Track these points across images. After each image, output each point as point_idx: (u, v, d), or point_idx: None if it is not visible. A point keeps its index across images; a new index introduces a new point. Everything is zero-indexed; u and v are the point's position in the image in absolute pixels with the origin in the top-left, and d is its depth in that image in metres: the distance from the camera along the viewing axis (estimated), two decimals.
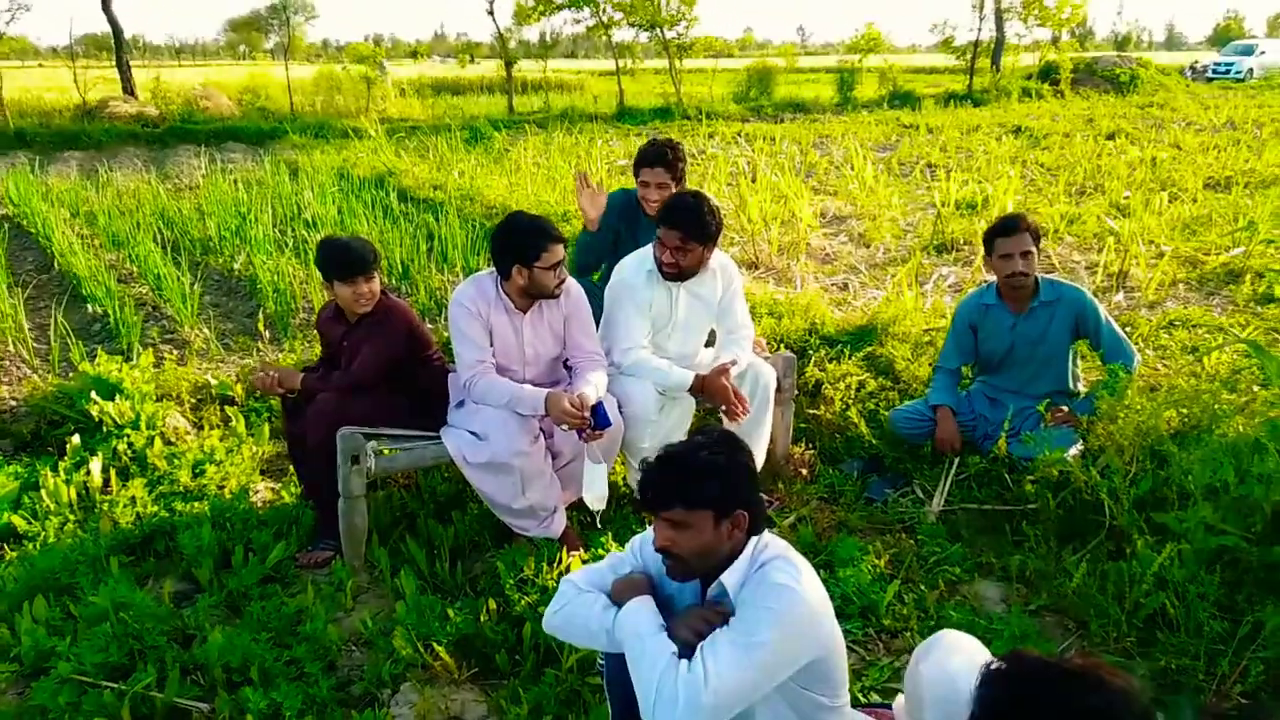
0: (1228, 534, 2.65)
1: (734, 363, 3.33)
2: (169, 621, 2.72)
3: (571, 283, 3.24)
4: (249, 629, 2.69)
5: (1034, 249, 3.49)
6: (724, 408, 3.25)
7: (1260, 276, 5.87)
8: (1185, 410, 3.29)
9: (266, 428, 4.09)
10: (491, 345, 3.13)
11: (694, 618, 1.83)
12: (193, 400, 4.45)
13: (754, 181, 9.34)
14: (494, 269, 3.15)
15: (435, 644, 2.58)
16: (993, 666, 1.40)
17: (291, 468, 3.57)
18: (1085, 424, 3.45)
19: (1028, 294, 3.59)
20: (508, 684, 2.52)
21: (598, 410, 2.93)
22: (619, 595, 1.91)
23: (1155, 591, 2.65)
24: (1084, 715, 1.29)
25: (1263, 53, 34.01)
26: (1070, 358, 3.67)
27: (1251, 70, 31.82)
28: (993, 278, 3.69)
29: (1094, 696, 1.28)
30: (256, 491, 3.66)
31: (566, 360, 3.32)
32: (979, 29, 24.91)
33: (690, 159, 12.42)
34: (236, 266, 7.02)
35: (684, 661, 1.72)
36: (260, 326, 5.52)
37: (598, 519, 3.19)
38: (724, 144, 14.28)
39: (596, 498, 2.99)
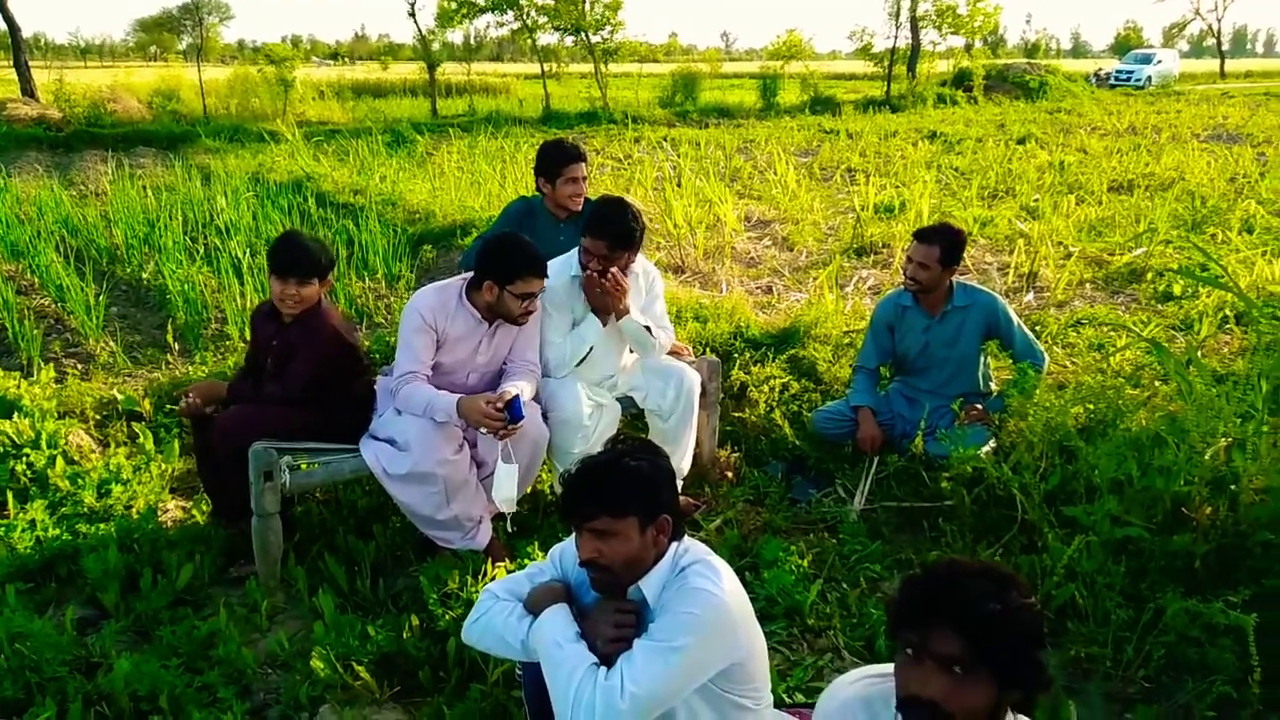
0: (1132, 525, 2.76)
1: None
2: (71, 650, 2.58)
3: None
4: (158, 655, 2.58)
5: (934, 263, 3.59)
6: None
7: (1160, 275, 6.15)
8: (1091, 406, 3.42)
9: (176, 444, 3.93)
10: (440, 353, 3.08)
11: (604, 616, 1.82)
12: (98, 417, 4.26)
13: (679, 186, 9.40)
14: (462, 277, 3.11)
15: (355, 664, 2.52)
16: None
17: (202, 485, 3.44)
18: (997, 422, 3.56)
19: (939, 298, 3.70)
20: (431, 701, 2.47)
21: (513, 404, 2.89)
22: (535, 604, 1.89)
23: (1065, 583, 2.75)
24: (976, 577, 1.40)
25: (1159, 62, 35.86)
26: (982, 359, 3.79)
27: (1150, 78, 33.48)
28: None
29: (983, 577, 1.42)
30: (166, 511, 3.52)
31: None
32: (895, 36, 25.63)
33: (616, 163, 12.46)
34: (145, 276, 6.76)
35: (602, 669, 1.71)
36: (170, 338, 5.31)
37: (508, 521, 3.11)
38: (650, 148, 14.35)
39: (505, 499, 2.94)
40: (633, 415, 3.64)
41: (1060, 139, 14.73)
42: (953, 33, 26.50)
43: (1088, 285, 6.28)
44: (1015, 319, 3.75)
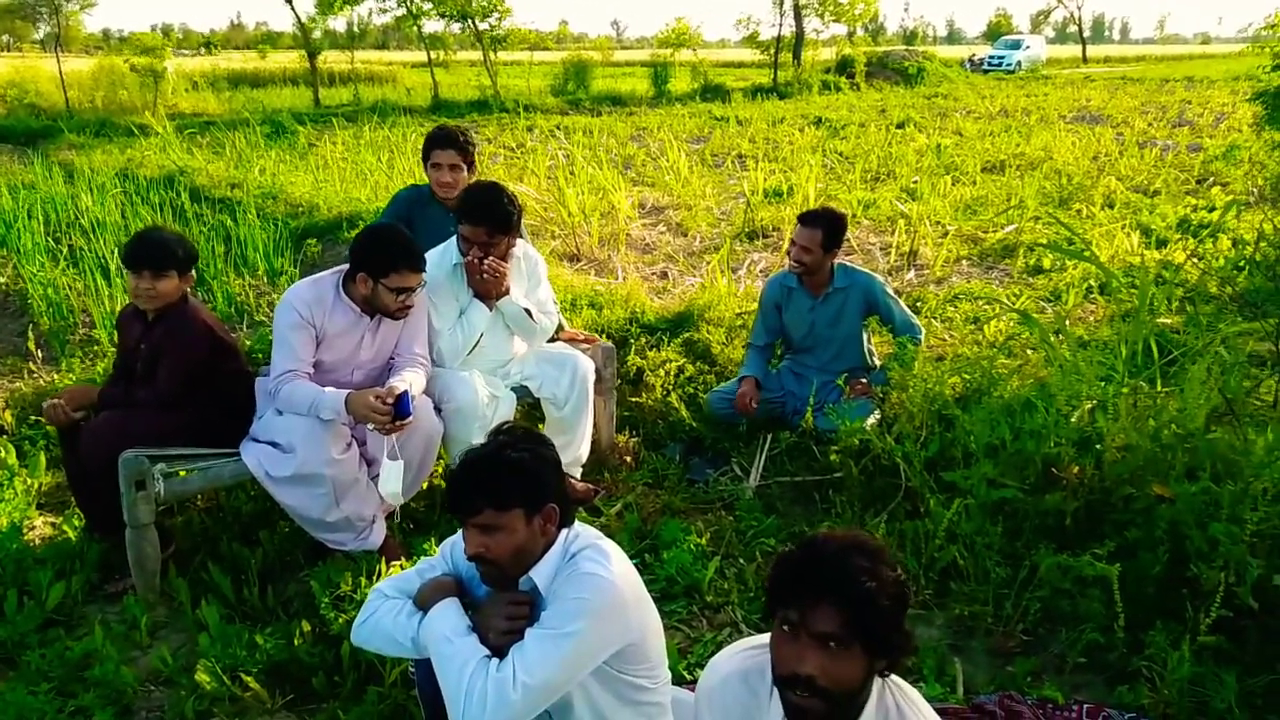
0: (1007, 487, 2.91)
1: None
2: None
3: (419, 292, 3.11)
4: (26, 681, 2.44)
5: (817, 246, 3.68)
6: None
7: (1031, 250, 6.47)
8: (967, 376, 3.58)
9: (43, 456, 3.69)
10: (320, 350, 2.96)
11: (496, 609, 1.80)
12: None
13: (573, 174, 9.35)
14: (339, 269, 3.00)
15: (244, 674, 2.43)
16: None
17: (73, 498, 3.24)
18: (881, 394, 3.69)
19: (821, 280, 3.81)
20: (327, 707, 2.41)
21: (400, 400, 2.82)
22: (425, 600, 1.86)
23: (947, 545, 2.87)
24: (849, 553, 1.45)
25: (1028, 47, 37.69)
26: (865, 336, 3.91)
27: (1020, 63, 35.14)
28: None
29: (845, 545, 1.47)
30: (33, 528, 3.31)
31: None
32: (780, 25, 26.11)
33: (509, 153, 12.31)
34: (3, 280, 6.31)
35: (493, 661, 1.70)
36: (32, 345, 4.98)
37: (396, 516, 3.04)
38: (543, 137, 14.23)
39: (391, 494, 2.88)
40: (529, 405, 3.62)
41: (937, 123, 15.33)
42: (835, 20, 27.21)
43: (964, 262, 6.56)
44: (892, 295, 3.89)
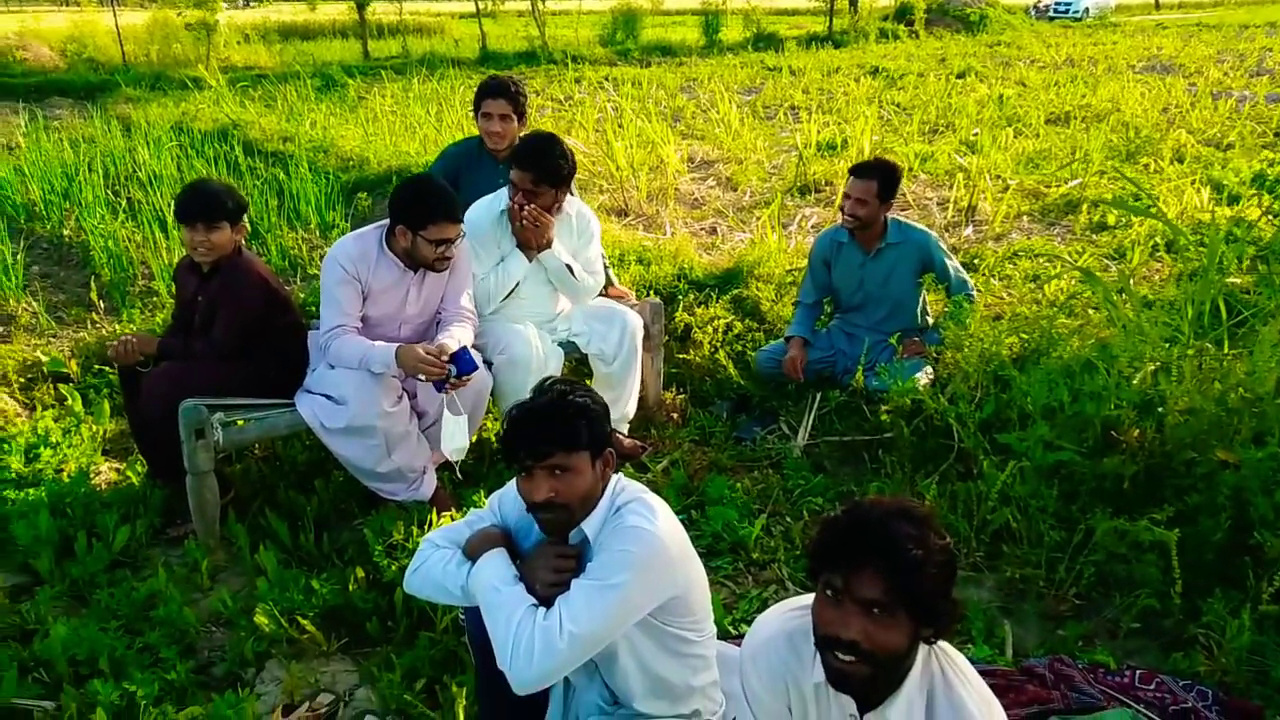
0: (1064, 449, 2.84)
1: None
2: (4, 618, 2.53)
3: (460, 244, 3.12)
4: (96, 619, 2.54)
5: (873, 199, 3.59)
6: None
7: (1095, 206, 6.25)
8: (1026, 336, 3.49)
9: (107, 405, 3.81)
10: (366, 305, 2.99)
11: (543, 560, 1.82)
12: (22, 380, 4.10)
13: (621, 127, 9.24)
14: (382, 223, 3.01)
15: (301, 617, 2.50)
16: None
17: (135, 445, 3.35)
18: (934, 354, 3.62)
19: (874, 235, 3.72)
20: (379, 651, 2.47)
21: (460, 356, 2.84)
22: (473, 550, 1.89)
23: (1000, 508, 2.83)
24: (896, 519, 1.44)
25: None
26: (919, 295, 3.82)
27: (1088, 10, 33.64)
28: None
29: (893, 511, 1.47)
30: (99, 473, 3.43)
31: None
32: None
33: (557, 105, 12.21)
34: (66, 233, 6.47)
35: (540, 610, 1.73)
36: (94, 296, 5.11)
37: (456, 470, 3.09)
38: (591, 89, 14.07)
39: (457, 449, 2.91)
40: (576, 360, 3.62)
41: (1000, 72, 14.79)
42: None
43: (1025, 218, 6.37)
44: (948, 253, 3.79)
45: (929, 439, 3.30)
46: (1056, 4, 35.09)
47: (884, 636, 1.41)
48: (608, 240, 5.34)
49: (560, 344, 3.43)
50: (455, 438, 2.92)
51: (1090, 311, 3.86)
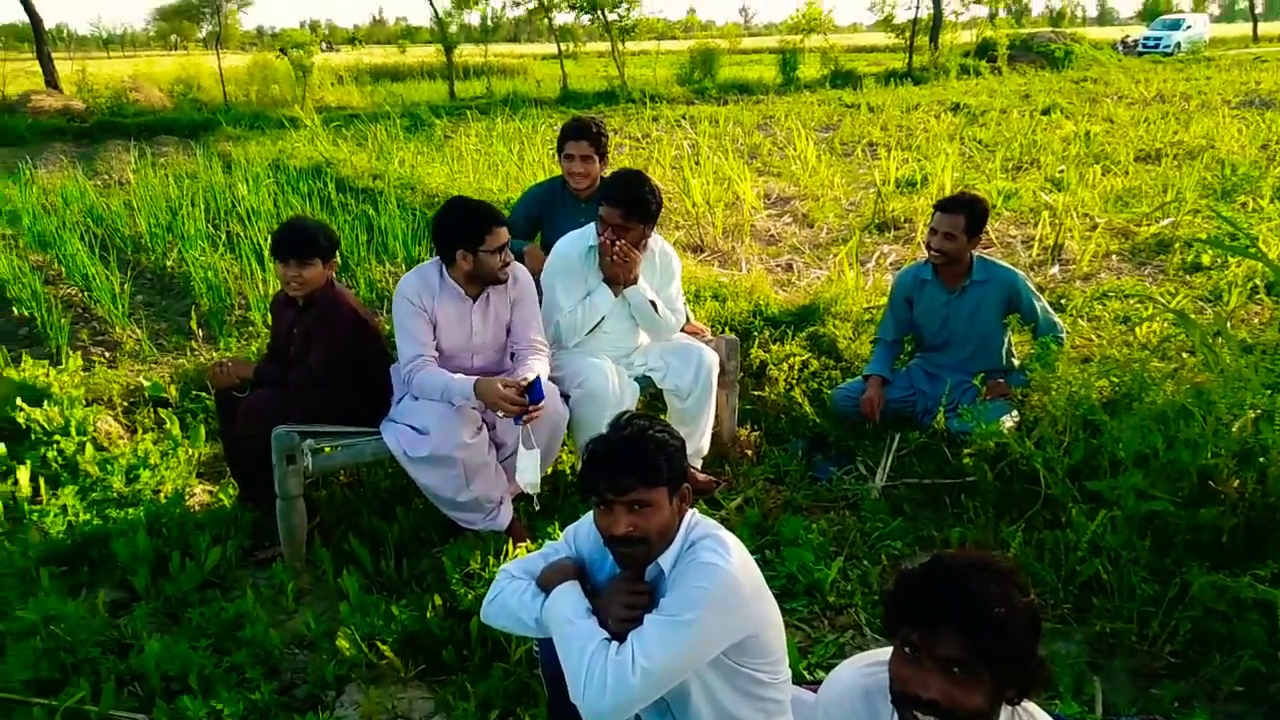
0: (1158, 499, 2.73)
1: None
2: (103, 632, 2.64)
3: (520, 269, 3.22)
4: (187, 636, 2.63)
5: (960, 233, 3.55)
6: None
7: (1189, 246, 6.03)
8: (1116, 379, 3.37)
9: (202, 429, 3.98)
10: (436, 336, 3.08)
11: (617, 595, 1.83)
12: (125, 403, 4.33)
13: (698, 164, 9.34)
14: (437, 257, 3.10)
15: (380, 643, 2.55)
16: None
17: (228, 469, 3.49)
18: (1020, 396, 3.52)
19: (959, 272, 3.66)
20: (455, 679, 2.50)
21: (534, 386, 2.89)
22: (547, 582, 1.91)
23: (1090, 558, 2.72)
24: (978, 575, 1.39)
25: (1189, 27, 35.01)
26: (1005, 335, 3.74)
27: (1179, 44, 32.72)
28: None
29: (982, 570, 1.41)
30: (193, 495, 3.57)
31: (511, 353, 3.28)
32: (917, 7, 25.23)
33: (634, 143, 12.40)
34: (169, 264, 6.83)
35: (613, 644, 1.73)
36: (194, 325, 5.37)
37: (534, 501, 3.13)
38: (668, 127, 14.26)
39: (530, 483, 2.96)
40: (651, 395, 3.64)
41: (1086, 109, 14.46)
42: (976, 2, 26.11)
43: (1114, 257, 6.19)
44: (1035, 293, 3.70)
45: (1014, 484, 3.20)
46: (1146, 39, 34.22)
47: (965, 697, 1.36)
48: (684, 276, 5.37)
49: (636, 379, 3.46)
50: (526, 472, 2.97)
51: (1185, 355, 3.71)
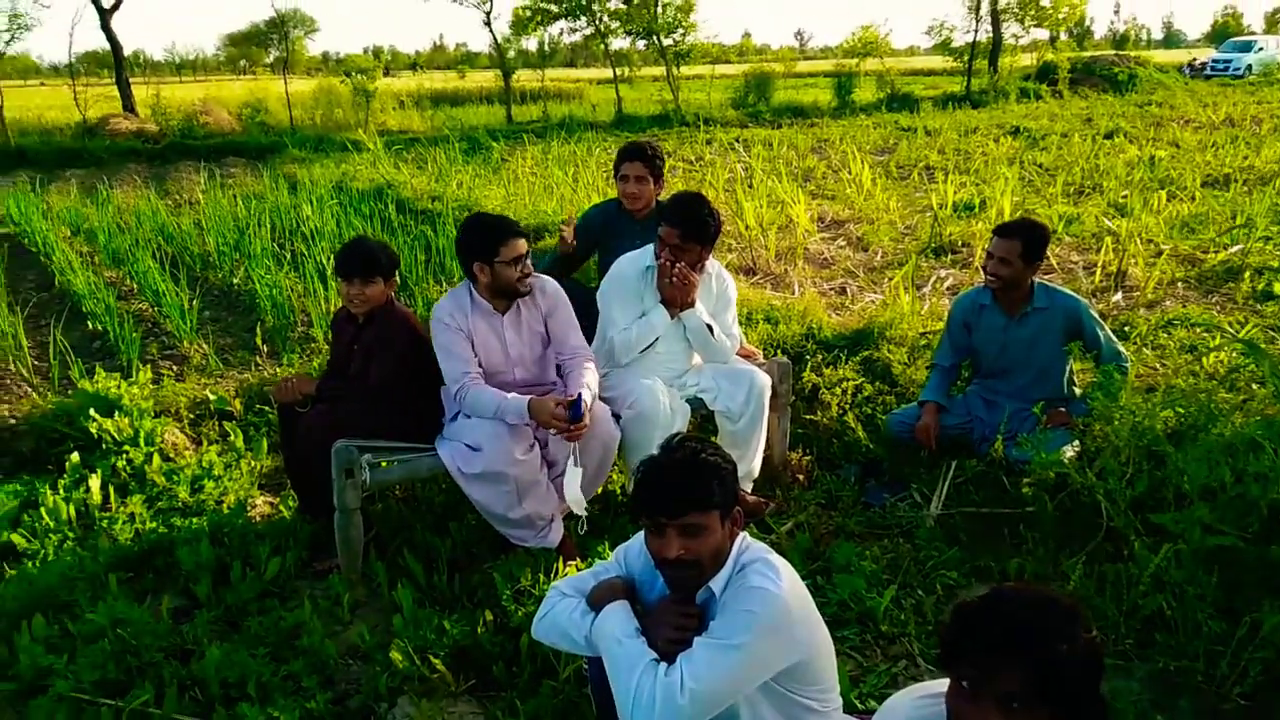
0: (1225, 534, 2.64)
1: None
2: (167, 638, 2.72)
3: (548, 280, 3.29)
4: (246, 644, 2.70)
5: (1016, 259, 3.50)
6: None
7: (1259, 274, 5.85)
8: (1182, 410, 3.28)
9: (265, 442, 4.09)
10: (476, 353, 3.14)
11: (668, 616, 1.83)
12: (191, 416, 4.46)
13: (751, 187, 9.35)
14: (467, 281, 3.20)
15: (432, 656, 2.58)
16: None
17: (289, 482, 3.58)
18: (1081, 426, 3.45)
19: (1019, 298, 3.61)
20: (505, 696, 2.52)
21: (574, 405, 2.93)
22: (597, 601, 1.92)
23: (1153, 593, 2.65)
24: (1040, 611, 1.37)
25: (1260, 49, 33.99)
26: (1066, 363, 3.66)
27: (1250, 66, 31.80)
28: None
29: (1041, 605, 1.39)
30: (254, 506, 3.67)
31: (557, 365, 3.32)
32: (976, 30, 24.95)
33: (688, 165, 12.46)
34: (235, 281, 7.04)
35: (662, 665, 1.73)
36: (259, 341, 5.53)
37: (581, 524, 3.15)
38: (722, 150, 14.31)
39: (574, 501, 2.98)
40: (701, 417, 3.64)
41: (1151, 133, 14.14)
42: (1036, 25, 25.71)
43: (1179, 284, 6.02)
44: (1098, 320, 3.63)
45: (1074, 516, 3.13)
46: (1214, 61, 33.35)
47: None
48: (736, 300, 5.38)
49: (687, 400, 3.47)
50: (570, 489, 2.99)
51: (1255, 386, 3.60)
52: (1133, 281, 6.07)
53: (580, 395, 2.96)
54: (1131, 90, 24.12)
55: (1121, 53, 33.55)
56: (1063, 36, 28.10)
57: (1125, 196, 8.57)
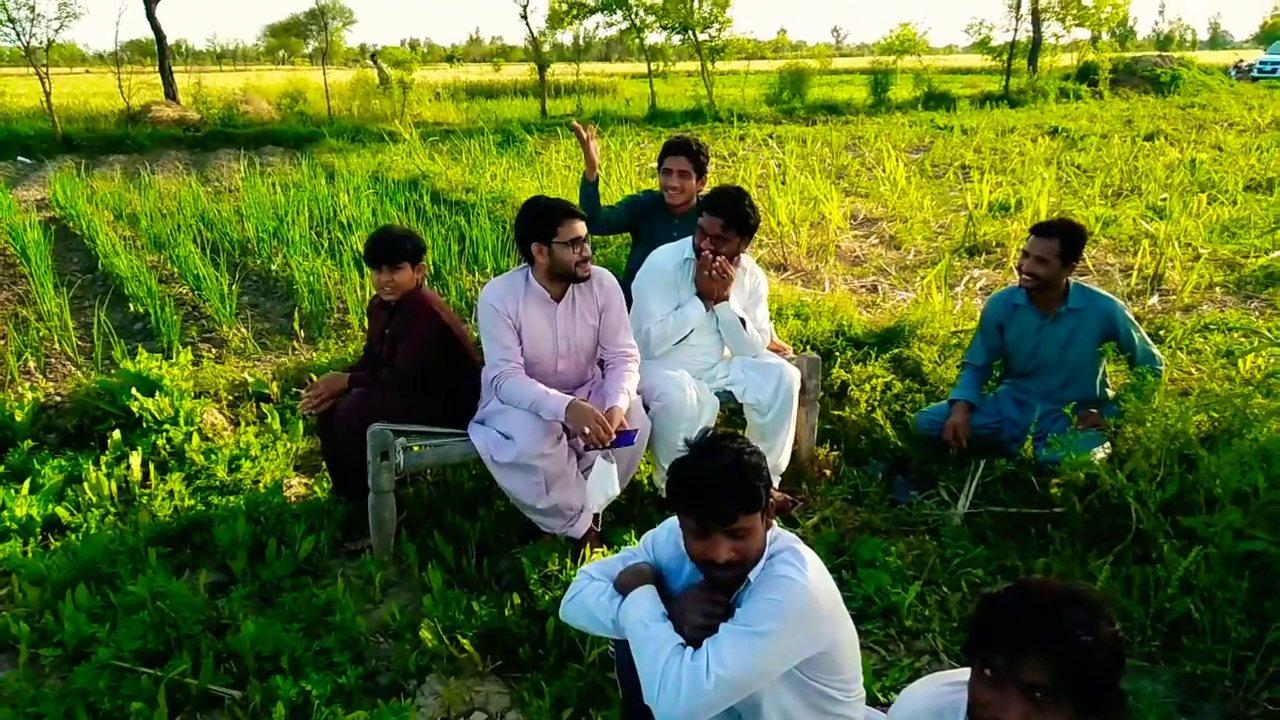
0: (1257, 539, 2.62)
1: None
2: (204, 611, 2.79)
3: (606, 274, 3.29)
4: (280, 619, 2.76)
5: (1053, 258, 3.48)
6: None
7: None
8: (1216, 414, 3.25)
9: (300, 424, 4.18)
10: (521, 341, 3.16)
11: (694, 602, 1.85)
12: (230, 397, 4.56)
13: (784, 183, 9.33)
14: (524, 263, 3.21)
15: (460, 636, 2.64)
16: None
17: (324, 463, 3.65)
18: (1113, 428, 3.43)
19: (1054, 298, 3.59)
20: (531, 677, 2.56)
21: (625, 435, 2.98)
22: (624, 585, 1.95)
23: (1181, 596, 2.63)
24: (1068, 604, 1.39)
25: None
26: (1100, 364, 3.64)
27: None
28: None
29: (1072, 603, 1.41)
30: (290, 486, 3.75)
31: (600, 359, 3.36)
32: (1016, 29, 24.64)
33: (720, 161, 12.44)
34: (274, 268, 7.16)
35: (688, 650, 1.76)
36: (296, 326, 5.63)
37: (596, 520, 3.19)
38: (755, 146, 14.28)
39: (605, 497, 3.01)
40: (730, 410, 3.66)
41: (1192, 135, 13.90)
42: (1078, 25, 25.34)
43: (1217, 289, 5.94)
44: (1134, 323, 3.60)
45: (1103, 517, 3.11)
46: (1262, 63, 32.61)
47: None
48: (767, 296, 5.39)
49: (717, 393, 3.49)
50: (602, 486, 3.02)
51: None
52: (1169, 285, 6.00)
53: (634, 432, 3.02)
54: (1174, 92, 23.69)
55: (1165, 54, 32.93)
56: (1104, 37, 27.60)
57: (1164, 199, 8.45)
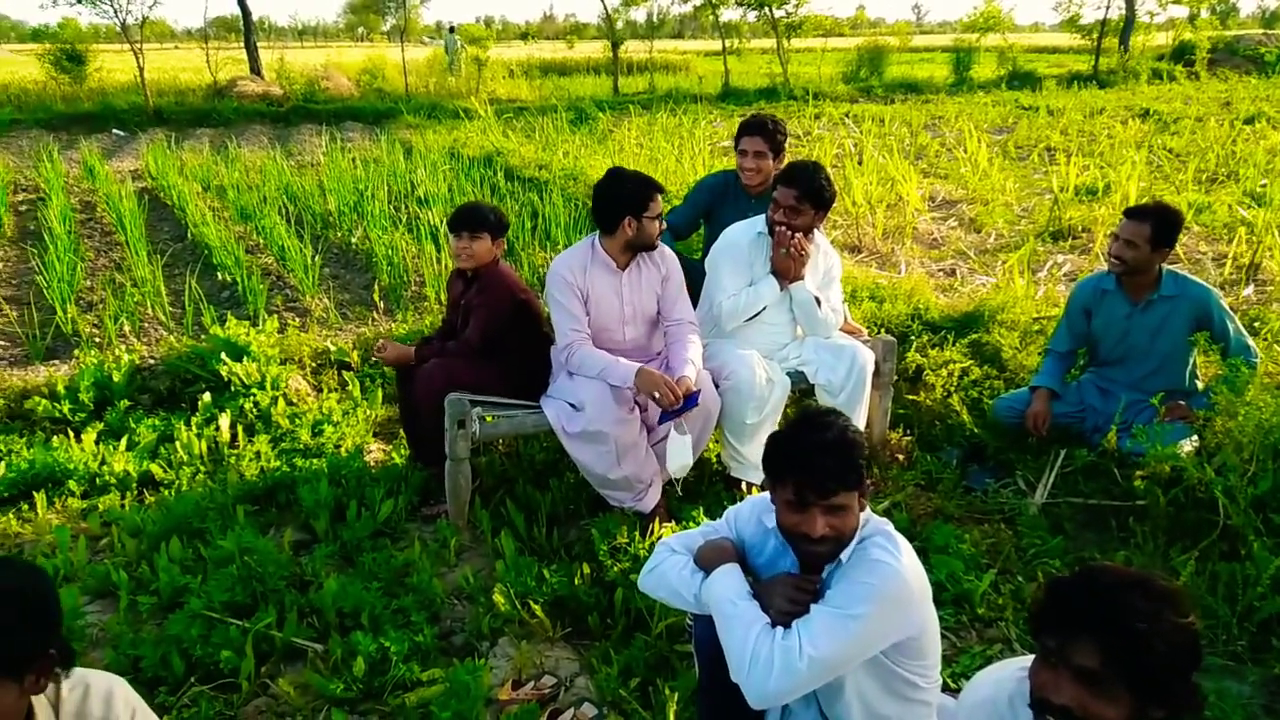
0: None
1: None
2: (288, 567, 2.91)
3: (665, 248, 3.35)
4: (360, 578, 2.87)
5: (1144, 243, 3.35)
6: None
7: None
8: None
9: (380, 393, 4.30)
10: (588, 311, 3.23)
11: (782, 587, 1.84)
12: (313, 365, 4.72)
13: (860, 164, 9.16)
14: (591, 234, 3.27)
15: (532, 602, 2.70)
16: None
17: (402, 431, 3.75)
18: (1202, 420, 3.30)
19: (1145, 284, 3.46)
20: (599, 645, 2.61)
21: (692, 396, 3.02)
22: (705, 560, 1.95)
23: (1271, 596, 2.54)
24: (1128, 590, 1.36)
25: None
26: (1190, 354, 3.50)
27: None
28: None
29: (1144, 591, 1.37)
30: (369, 452, 3.86)
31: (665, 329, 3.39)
32: (1107, 7, 23.63)
33: (795, 140, 12.27)
34: (354, 240, 7.35)
35: (778, 629, 1.75)
36: (375, 297, 5.77)
37: (677, 486, 3.22)
38: (831, 125, 14.04)
39: (680, 466, 3.05)
40: (801, 391, 3.64)
41: None
42: (1174, 2, 24.20)
43: None
44: (1229, 312, 3.45)
45: (1188, 512, 3.01)
46: None
47: (1099, 708, 1.34)
48: (841, 278, 5.32)
49: (789, 373, 3.48)
50: (679, 455, 3.05)
51: None
52: (1266, 275, 5.73)
53: (699, 391, 3.05)
54: (1278, 73, 22.46)
55: (1270, 31, 31.18)
56: (1203, 14, 26.26)
57: (1264, 186, 8.05)
